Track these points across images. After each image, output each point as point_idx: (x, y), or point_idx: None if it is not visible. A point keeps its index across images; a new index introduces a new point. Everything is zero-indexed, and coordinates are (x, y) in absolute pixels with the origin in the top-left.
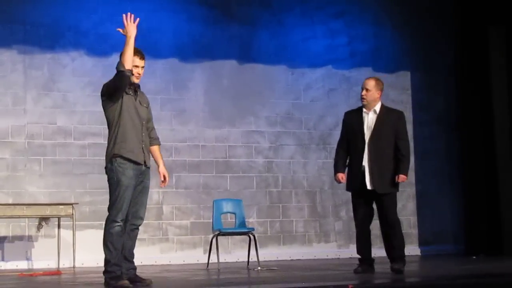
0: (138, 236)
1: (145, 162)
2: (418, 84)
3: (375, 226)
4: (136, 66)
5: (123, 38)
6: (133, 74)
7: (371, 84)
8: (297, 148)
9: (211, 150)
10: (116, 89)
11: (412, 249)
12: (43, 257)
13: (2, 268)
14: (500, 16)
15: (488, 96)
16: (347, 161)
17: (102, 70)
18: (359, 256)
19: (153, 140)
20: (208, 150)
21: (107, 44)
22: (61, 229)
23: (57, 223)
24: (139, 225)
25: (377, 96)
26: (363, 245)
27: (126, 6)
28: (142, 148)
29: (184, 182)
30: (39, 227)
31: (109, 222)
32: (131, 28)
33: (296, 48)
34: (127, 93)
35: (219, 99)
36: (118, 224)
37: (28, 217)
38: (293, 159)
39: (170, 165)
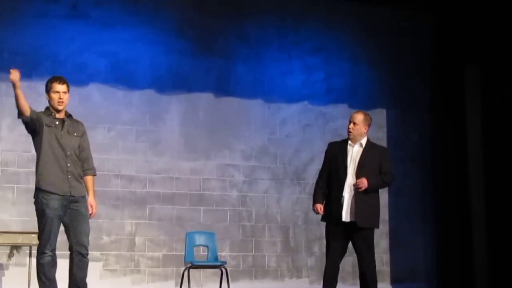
0: (110, 267)
1: (71, 192)
2: (394, 121)
3: (347, 262)
4: (57, 92)
5: (100, 67)
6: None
7: (359, 118)
8: (271, 183)
9: (186, 183)
10: (29, 131)
11: (384, 287)
12: (13, 286)
13: None
14: (476, 56)
15: (463, 135)
16: (326, 192)
17: (78, 99)
18: None
19: (86, 170)
20: (182, 182)
21: (84, 73)
22: (33, 258)
23: (28, 251)
24: (86, 254)
25: (364, 130)
26: (330, 282)
27: (104, 36)
28: (68, 179)
29: (157, 214)
30: (10, 255)
31: (39, 253)
32: (14, 74)
33: (272, 82)
34: (48, 126)
35: (194, 132)
36: (48, 254)
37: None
38: (267, 194)
39: (144, 196)
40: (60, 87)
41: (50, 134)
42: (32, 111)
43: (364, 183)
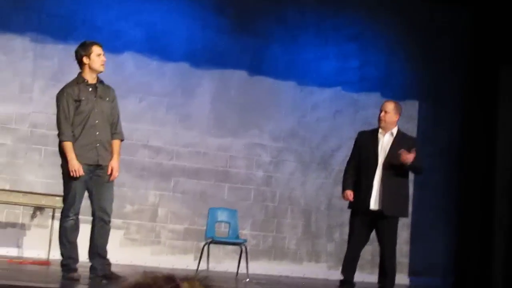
0: (131, 236)
1: (98, 161)
2: (425, 114)
3: (366, 251)
4: (100, 54)
5: (136, 36)
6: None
7: (390, 106)
8: (297, 166)
9: (212, 158)
10: None
11: (401, 278)
12: (34, 246)
13: None
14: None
15: (493, 134)
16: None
17: (112, 67)
18: (341, 277)
19: (113, 134)
20: (209, 157)
21: (119, 41)
22: (55, 220)
23: (51, 214)
24: (108, 221)
25: (395, 119)
26: (349, 267)
27: (142, 5)
28: (96, 148)
29: (182, 187)
30: (33, 216)
31: (63, 216)
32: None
33: (307, 66)
34: (77, 100)
35: (225, 109)
36: (71, 218)
37: (23, 205)
38: (292, 176)
39: (170, 169)
40: (101, 50)
41: (80, 106)
42: (71, 129)
43: (410, 158)
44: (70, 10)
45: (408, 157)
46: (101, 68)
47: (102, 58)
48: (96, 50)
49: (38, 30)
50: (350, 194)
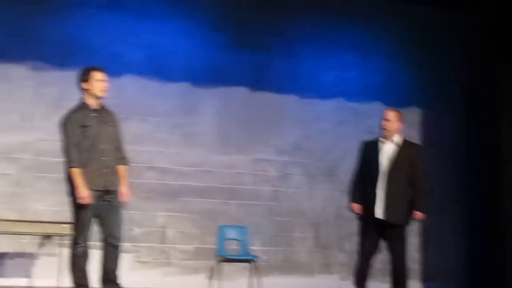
0: (141, 259)
1: (106, 187)
2: (429, 120)
3: (377, 259)
4: (100, 80)
5: (136, 58)
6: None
7: (392, 114)
8: (304, 178)
9: (218, 176)
10: None
11: (415, 285)
12: (43, 275)
13: (2, 284)
14: (510, 57)
15: (497, 135)
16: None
17: (113, 90)
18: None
19: (119, 160)
20: (215, 175)
21: (119, 64)
22: (63, 248)
23: (59, 241)
24: (118, 246)
25: (396, 126)
26: (361, 277)
27: (140, 26)
28: (104, 173)
29: (189, 207)
30: (41, 245)
31: (73, 244)
32: None
33: (308, 78)
34: (84, 126)
35: (228, 126)
36: (81, 245)
37: (30, 234)
38: (299, 189)
39: (176, 189)
40: (102, 76)
41: (86, 132)
42: (79, 154)
43: (420, 216)
44: (67, 35)
45: (420, 216)
46: (101, 94)
47: (103, 84)
48: (96, 75)
49: (37, 58)
50: (357, 207)
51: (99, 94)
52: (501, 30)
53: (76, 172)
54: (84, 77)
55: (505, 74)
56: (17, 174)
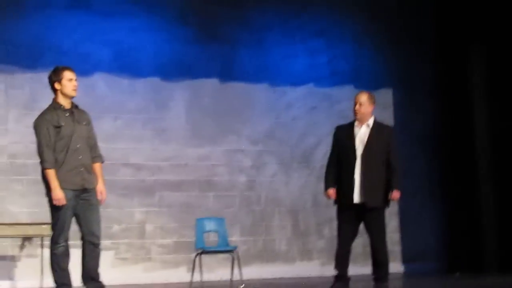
0: (121, 256)
1: (83, 185)
2: (400, 101)
3: (357, 244)
4: (71, 79)
5: (104, 56)
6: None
7: (363, 98)
8: (279, 167)
9: (194, 169)
10: None
11: (396, 266)
12: (26, 277)
13: None
14: (481, 35)
15: (469, 115)
16: (337, 176)
17: (83, 90)
18: (335, 272)
19: (94, 158)
20: (190, 169)
21: (88, 63)
22: (44, 249)
23: (40, 242)
24: (98, 244)
25: (369, 110)
26: (342, 262)
27: (106, 25)
28: (80, 172)
29: (166, 201)
30: (22, 246)
31: (53, 244)
32: None
33: (277, 66)
34: (57, 126)
35: (200, 118)
36: (61, 245)
37: (10, 237)
38: (275, 178)
39: (153, 184)
40: (72, 75)
41: (61, 132)
42: (54, 156)
43: (397, 195)
44: (34, 37)
45: (396, 196)
46: (73, 93)
47: (74, 83)
48: (67, 75)
49: (6, 61)
50: (332, 192)
51: (71, 93)
52: (472, 9)
53: (51, 173)
54: (56, 78)
55: (476, 54)
56: None
